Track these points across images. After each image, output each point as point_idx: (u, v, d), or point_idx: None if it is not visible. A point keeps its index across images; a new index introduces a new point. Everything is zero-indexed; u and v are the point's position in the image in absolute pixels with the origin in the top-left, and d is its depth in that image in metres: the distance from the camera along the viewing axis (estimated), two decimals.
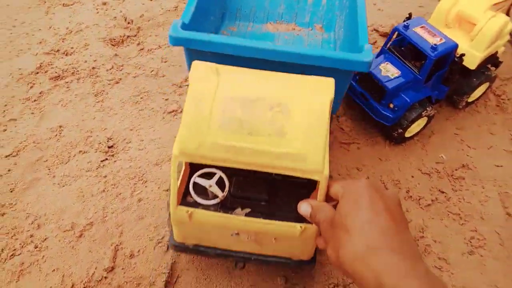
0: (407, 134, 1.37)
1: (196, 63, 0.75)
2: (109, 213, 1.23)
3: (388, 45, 1.33)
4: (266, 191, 0.84)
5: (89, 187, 1.30)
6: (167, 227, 1.16)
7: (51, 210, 1.24)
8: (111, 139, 1.43)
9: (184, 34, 0.93)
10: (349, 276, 0.45)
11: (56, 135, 1.45)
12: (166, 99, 1.59)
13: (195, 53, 0.96)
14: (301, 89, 0.70)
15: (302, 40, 1.41)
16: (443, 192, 1.32)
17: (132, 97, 1.59)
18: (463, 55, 1.24)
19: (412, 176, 1.35)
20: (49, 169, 1.35)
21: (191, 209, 0.77)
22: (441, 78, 1.32)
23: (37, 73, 1.68)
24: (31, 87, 1.62)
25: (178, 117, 1.52)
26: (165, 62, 1.74)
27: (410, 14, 1.33)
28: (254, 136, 0.66)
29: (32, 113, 1.53)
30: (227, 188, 0.80)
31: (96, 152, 1.39)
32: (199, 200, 0.79)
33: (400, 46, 1.33)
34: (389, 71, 1.28)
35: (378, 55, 1.34)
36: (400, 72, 1.27)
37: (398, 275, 0.39)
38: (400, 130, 1.31)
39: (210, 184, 0.80)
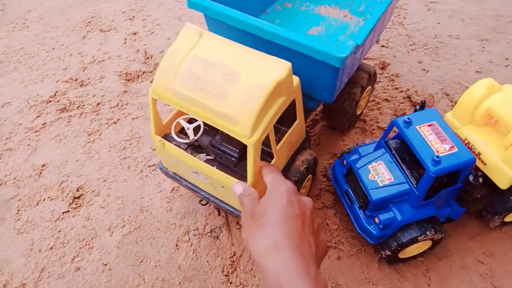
0: (402, 255, 1.04)
1: (188, 25, 0.88)
2: (45, 277, 1.16)
3: (386, 139, 1.03)
4: (239, 150, 0.96)
5: (41, 240, 1.24)
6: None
7: None
8: (81, 188, 1.37)
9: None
10: (255, 263, 0.52)
11: (37, 173, 1.43)
12: (153, 149, 1.47)
13: (210, 20, 1.11)
14: (258, 65, 0.79)
15: (346, 29, 1.39)
16: None
17: (122, 142, 1.51)
18: (479, 176, 0.88)
19: None
20: (18, 210, 1.33)
21: (163, 140, 0.96)
22: (455, 195, 0.97)
23: (49, 101, 1.70)
24: (38, 116, 1.64)
25: (155, 174, 1.39)
26: (168, 106, 1.63)
27: (423, 102, 1.00)
28: (204, 92, 0.79)
29: (28, 145, 1.54)
30: (199, 135, 0.96)
31: (62, 201, 1.34)
32: (174, 136, 0.95)
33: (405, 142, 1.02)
34: (379, 174, 0.98)
35: (375, 149, 1.05)
36: (393, 179, 0.96)
37: (292, 273, 0.47)
38: (388, 252, 1.00)
39: (188, 127, 0.97)
